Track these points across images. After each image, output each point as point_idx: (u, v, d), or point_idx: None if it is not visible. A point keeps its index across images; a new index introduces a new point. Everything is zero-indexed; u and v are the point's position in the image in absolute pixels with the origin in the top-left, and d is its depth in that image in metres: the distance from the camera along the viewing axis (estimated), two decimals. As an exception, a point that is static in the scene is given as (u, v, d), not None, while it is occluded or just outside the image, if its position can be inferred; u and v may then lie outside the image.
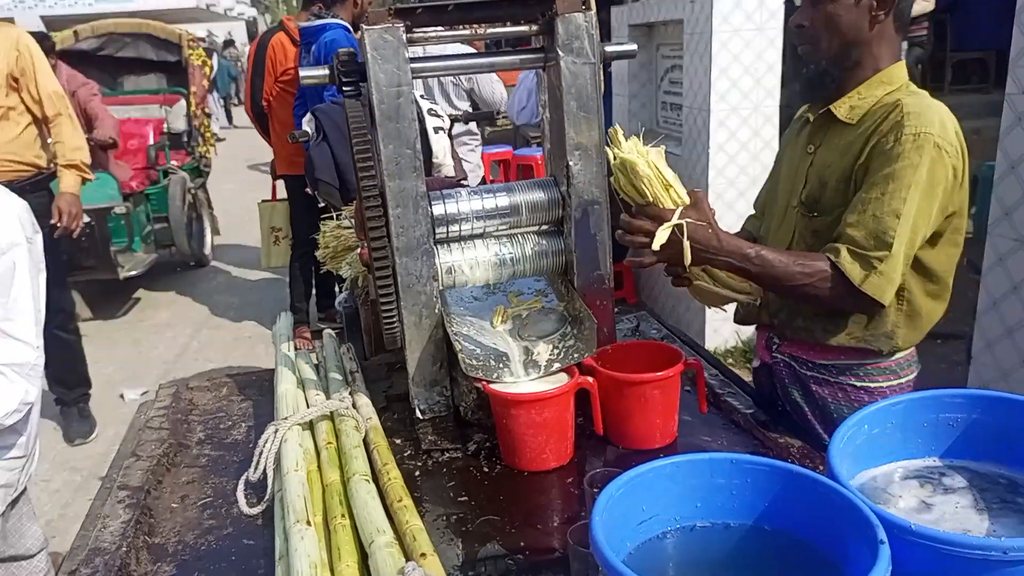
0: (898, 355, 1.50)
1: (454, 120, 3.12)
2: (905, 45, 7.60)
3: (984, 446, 0.98)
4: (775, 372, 1.62)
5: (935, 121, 1.34)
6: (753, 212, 1.81)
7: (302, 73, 1.54)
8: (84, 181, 3.44)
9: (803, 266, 1.36)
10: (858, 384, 1.51)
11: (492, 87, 3.87)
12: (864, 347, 1.48)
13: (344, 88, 1.52)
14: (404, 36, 1.46)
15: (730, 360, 3.92)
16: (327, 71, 1.53)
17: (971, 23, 8.45)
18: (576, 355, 1.48)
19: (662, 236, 1.31)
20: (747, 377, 1.84)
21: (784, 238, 1.56)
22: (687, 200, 1.34)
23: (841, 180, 1.44)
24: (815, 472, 0.89)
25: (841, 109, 1.46)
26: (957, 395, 1.00)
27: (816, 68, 1.46)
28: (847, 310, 1.44)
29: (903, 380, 1.52)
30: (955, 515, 0.90)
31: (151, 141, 5.96)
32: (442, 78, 3.72)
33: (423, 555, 1.08)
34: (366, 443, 1.45)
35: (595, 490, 1.10)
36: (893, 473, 1.00)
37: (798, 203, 1.53)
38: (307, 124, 2.82)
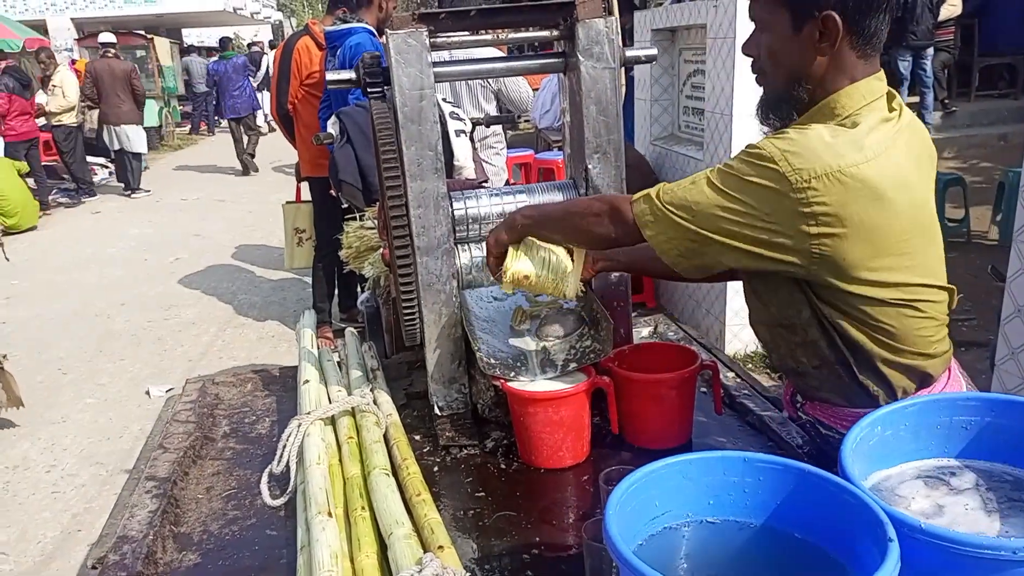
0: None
1: (475, 124, 3.14)
2: (931, 50, 7.53)
3: (997, 449, 0.98)
4: (805, 429, 1.47)
5: (799, 143, 1.13)
6: None
7: (328, 76, 1.58)
8: None
9: (589, 199, 1.36)
10: None
11: (519, 88, 3.89)
12: (855, 398, 1.28)
13: (369, 91, 1.55)
14: (427, 40, 1.49)
15: (749, 365, 3.91)
16: (353, 74, 1.56)
17: (1000, 27, 8.36)
18: (593, 355, 1.50)
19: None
20: (766, 382, 1.84)
21: None
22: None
23: None
24: (827, 472, 0.90)
25: None
26: (971, 398, 1.01)
27: (772, 96, 1.30)
28: (618, 237, 1.31)
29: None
30: (966, 517, 0.91)
31: None
32: (469, 80, 3.75)
33: (440, 547, 1.11)
34: (386, 438, 1.48)
35: (610, 487, 1.12)
36: (904, 474, 1.00)
37: None
38: (331, 127, 2.86)
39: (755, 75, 1.32)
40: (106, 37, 10.43)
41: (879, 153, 1.15)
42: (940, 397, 1.01)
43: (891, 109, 1.23)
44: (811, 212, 1.11)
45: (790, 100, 1.25)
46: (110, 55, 9.96)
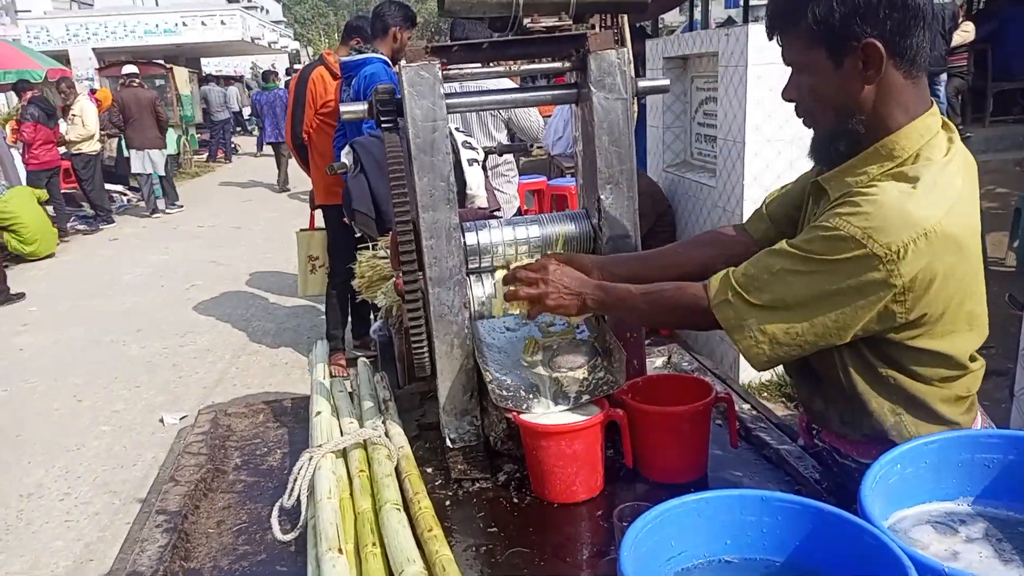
0: None
1: (488, 152, 3.16)
2: (944, 76, 7.52)
3: (1021, 488, 0.96)
4: (821, 458, 1.47)
5: (878, 217, 1.10)
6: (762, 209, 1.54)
7: (342, 108, 1.59)
8: None
9: (671, 286, 1.32)
10: None
11: (529, 117, 3.92)
12: (888, 438, 1.28)
13: (382, 122, 1.56)
14: (440, 73, 1.50)
15: (764, 394, 3.86)
16: (366, 106, 1.57)
17: (1013, 53, 8.33)
18: (606, 387, 1.48)
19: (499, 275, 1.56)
20: (781, 412, 1.81)
21: None
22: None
23: None
24: (847, 512, 0.88)
25: (830, 181, 1.26)
26: (993, 435, 0.99)
27: (825, 135, 1.27)
28: (700, 327, 1.31)
29: None
30: (981, 564, 0.89)
31: None
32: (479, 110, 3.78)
33: (452, 586, 1.09)
34: (398, 472, 1.46)
35: (624, 524, 1.10)
36: (921, 517, 0.98)
37: None
38: (345, 156, 2.88)
39: (802, 119, 1.29)
40: (129, 68, 11.23)
41: (952, 202, 1.13)
42: (962, 434, 0.99)
43: (948, 143, 1.21)
44: (903, 282, 1.11)
45: (846, 135, 1.22)
46: (135, 84, 10.73)
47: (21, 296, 6.84)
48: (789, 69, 1.27)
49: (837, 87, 1.19)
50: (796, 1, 1.18)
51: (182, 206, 11.14)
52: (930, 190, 1.12)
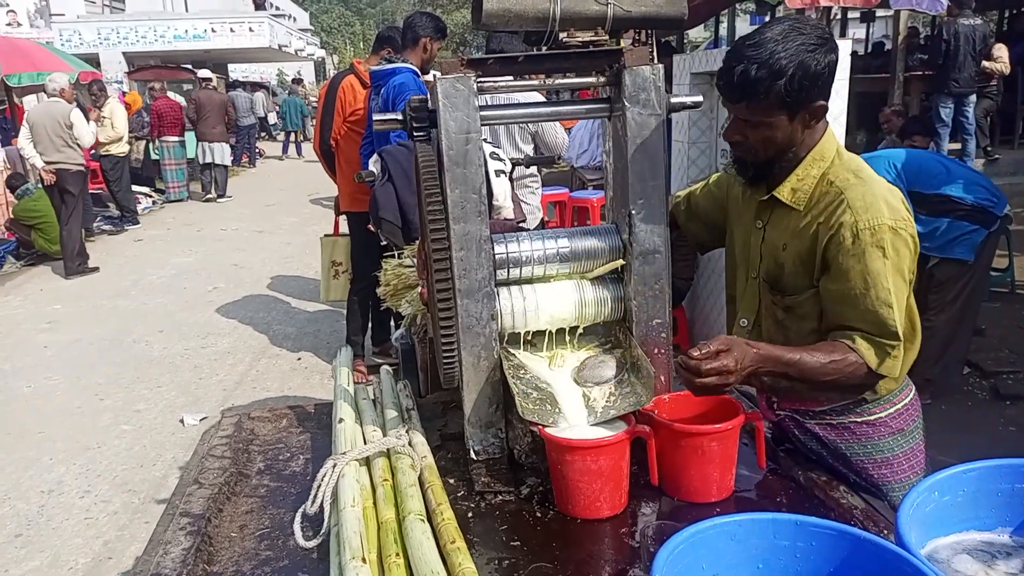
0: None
1: (515, 164, 3.17)
2: (974, 97, 7.45)
3: (1063, 520, 0.94)
4: (783, 427, 1.71)
5: (882, 208, 1.44)
6: (678, 197, 1.90)
7: (376, 118, 1.60)
8: None
9: (835, 362, 1.44)
10: (859, 420, 1.60)
11: (555, 131, 3.94)
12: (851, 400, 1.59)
13: (415, 133, 1.57)
14: (475, 85, 1.51)
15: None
16: (400, 116, 1.58)
17: (1044, 75, 8.24)
18: (633, 403, 1.47)
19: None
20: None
21: (751, 306, 1.67)
22: None
23: (799, 263, 1.53)
24: (883, 538, 0.87)
25: (784, 192, 1.55)
26: (1034, 465, 0.97)
27: (761, 162, 1.56)
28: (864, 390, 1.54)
29: (899, 406, 1.61)
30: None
31: None
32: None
33: (476, 599, 1.08)
34: (421, 482, 1.46)
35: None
36: (958, 546, 0.96)
37: (758, 277, 1.64)
38: (373, 165, 2.89)
39: (740, 151, 1.57)
40: (204, 73, 12.92)
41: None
42: (1002, 464, 0.97)
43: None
44: (912, 239, 1.47)
45: (781, 162, 1.54)
46: (210, 87, 12.45)
47: (96, 269, 7.66)
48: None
49: (788, 135, 1.50)
50: (768, 79, 1.42)
51: (231, 196, 12.23)
52: (874, 174, 1.51)
